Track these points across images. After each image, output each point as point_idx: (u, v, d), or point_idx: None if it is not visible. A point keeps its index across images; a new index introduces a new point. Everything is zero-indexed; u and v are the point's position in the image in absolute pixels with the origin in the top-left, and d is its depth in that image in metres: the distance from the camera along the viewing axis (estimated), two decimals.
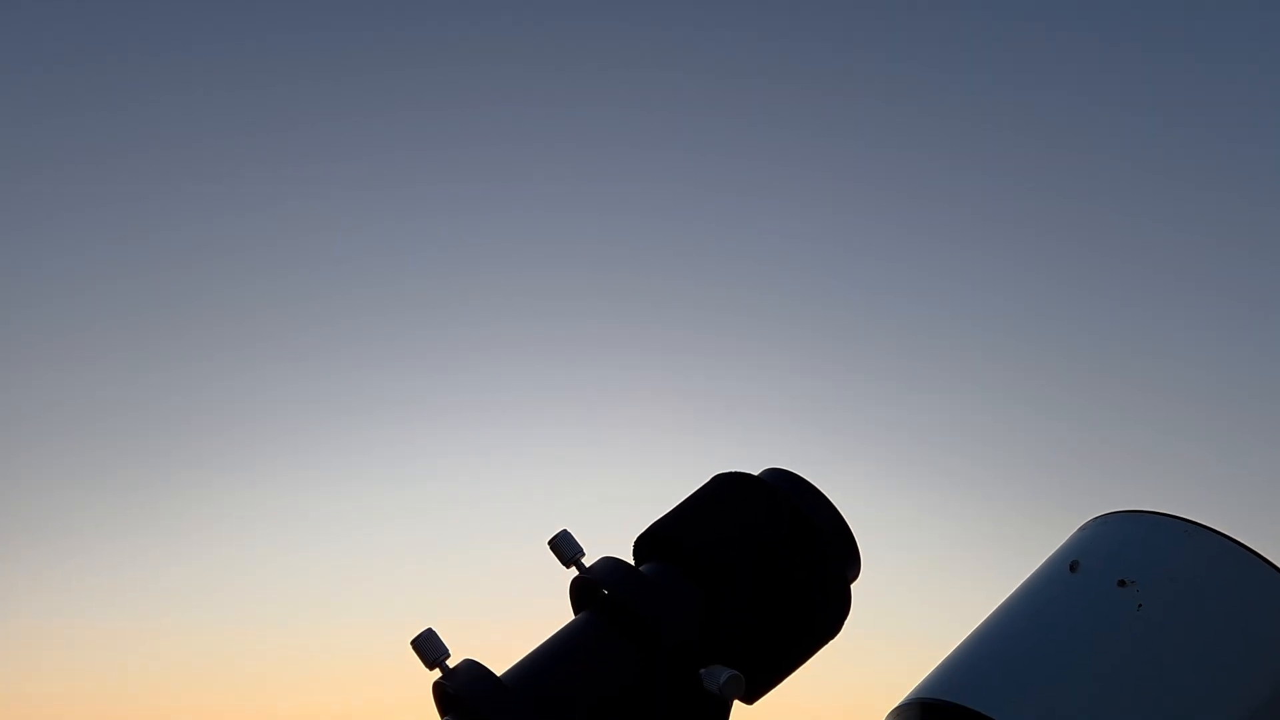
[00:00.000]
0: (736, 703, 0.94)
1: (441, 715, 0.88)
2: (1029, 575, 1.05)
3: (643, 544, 0.96)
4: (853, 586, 0.98)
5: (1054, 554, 1.06)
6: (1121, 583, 0.95)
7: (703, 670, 0.85)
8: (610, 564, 0.92)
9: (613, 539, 1.00)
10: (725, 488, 0.97)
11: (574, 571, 0.94)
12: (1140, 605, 0.93)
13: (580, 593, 0.95)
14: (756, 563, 0.91)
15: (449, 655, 0.88)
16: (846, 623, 0.99)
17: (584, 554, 0.94)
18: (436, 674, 0.88)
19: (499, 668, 0.89)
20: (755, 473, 0.99)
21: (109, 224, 4.25)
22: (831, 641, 0.98)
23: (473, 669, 0.85)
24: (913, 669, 1.05)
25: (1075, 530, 1.09)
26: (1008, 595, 1.05)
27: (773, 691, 0.97)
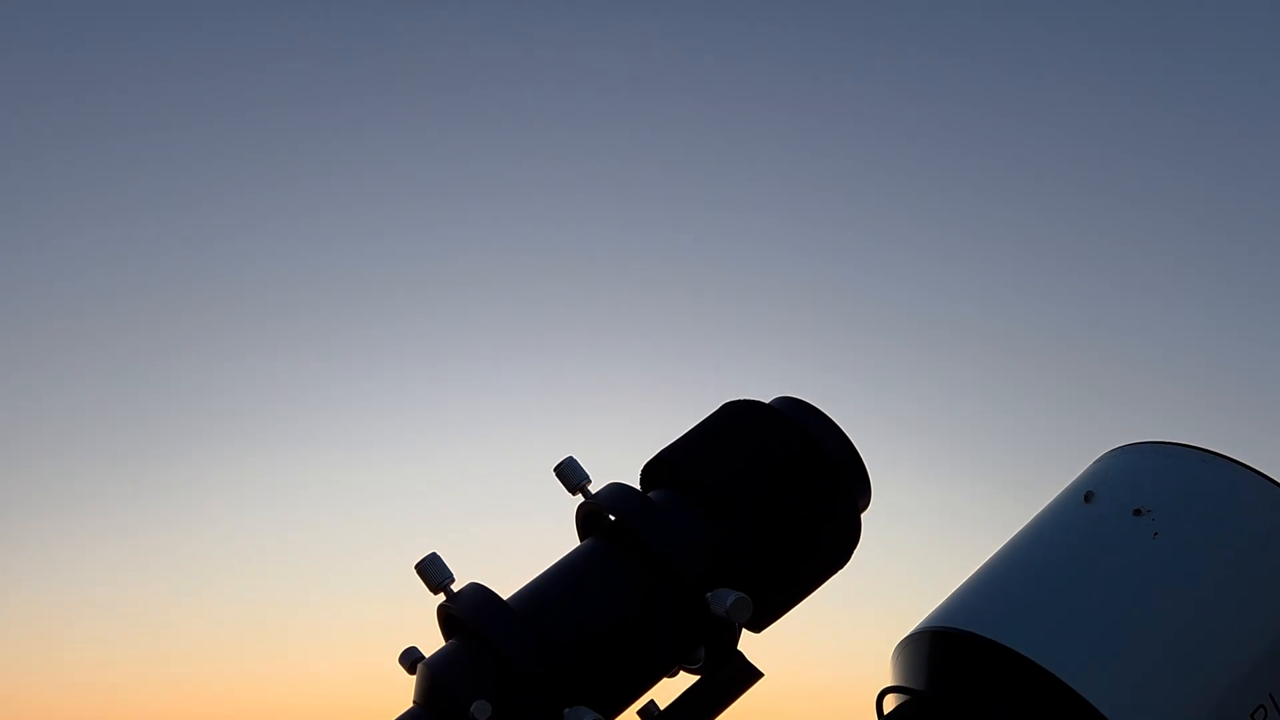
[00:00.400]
0: (747, 634, 0.93)
1: (446, 639, 0.88)
2: (1043, 508, 1.04)
3: (650, 471, 0.94)
4: (863, 516, 0.97)
5: (1069, 487, 1.04)
6: (1137, 511, 0.94)
7: (709, 594, 0.84)
8: (617, 490, 0.90)
9: (621, 468, 0.99)
10: (734, 415, 0.95)
11: (580, 498, 0.93)
12: (1156, 534, 0.92)
13: (586, 520, 0.93)
14: (764, 489, 0.89)
15: (453, 579, 0.87)
16: (856, 552, 0.97)
17: (590, 480, 0.93)
18: (441, 598, 0.87)
19: (504, 594, 0.87)
20: (766, 401, 0.98)
21: (98, 211, 4.24)
22: (842, 570, 0.97)
23: (478, 592, 0.84)
24: (923, 602, 1.04)
25: (1090, 464, 1.07)
26: (1020, 529, 1.03)
27: (781, 620, 0.96)
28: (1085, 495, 0.98)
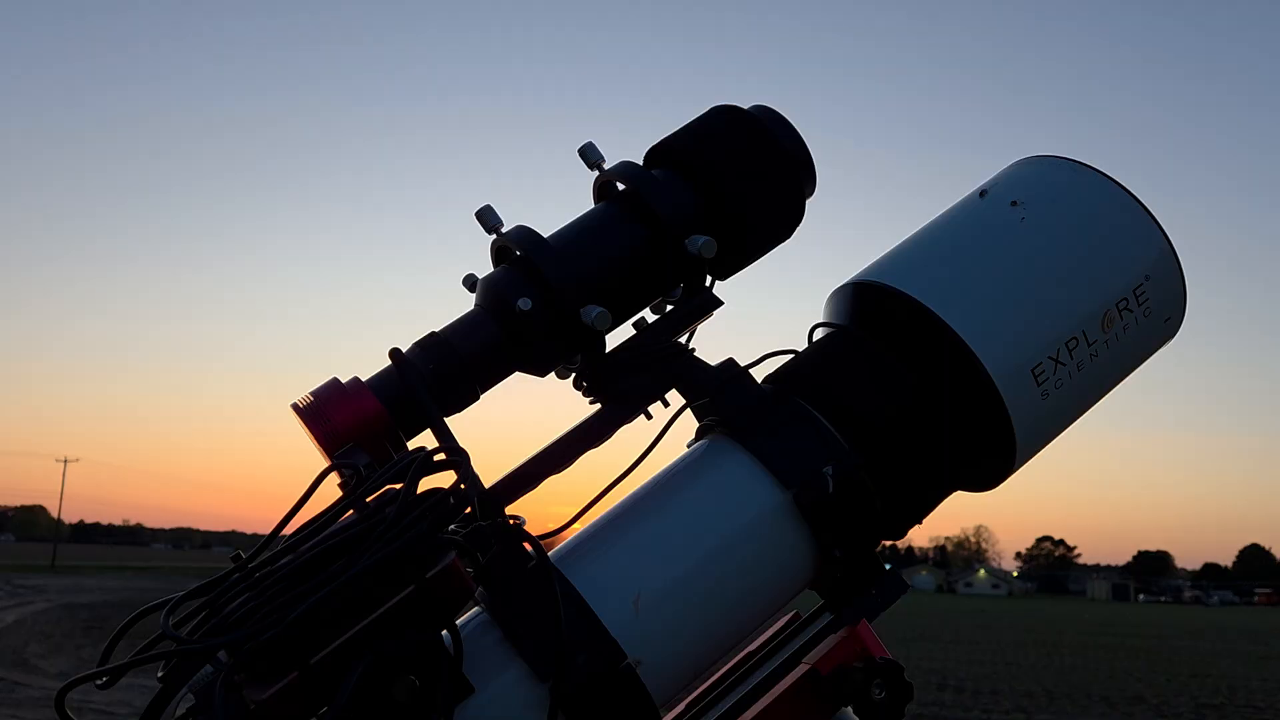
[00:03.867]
0: (719, 284, 1.26)
1: (496, 266, 1.21)
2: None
3: (652, 155, 1.25)
4: (809, 201, 1.28)
5: (974, 190, 1.34)
6: (1014, 203, 1.24)
7: (686, 240, 1.16)
8: (626, 165, 1.21)
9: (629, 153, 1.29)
10: (718, 115, 1.25)
11: (596, 173, 1.23)
12: (1023, 219, 1.23)
13: (601, 189, 1.25)
14: (733, 172, 1.20)
15: (503, 224, 1.19)
16: (801, 229, 1.29)
17: (605, 160, 1.23)
18: (494, 237, 1.20)
19: None
20: (745, 107, 1.27)
21: None
22: (789, 241, 1.29)
23: (523, 229, 1.17)
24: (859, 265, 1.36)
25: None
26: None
27: (746, 275, 1.29)
28: (981, 192, 1.29)
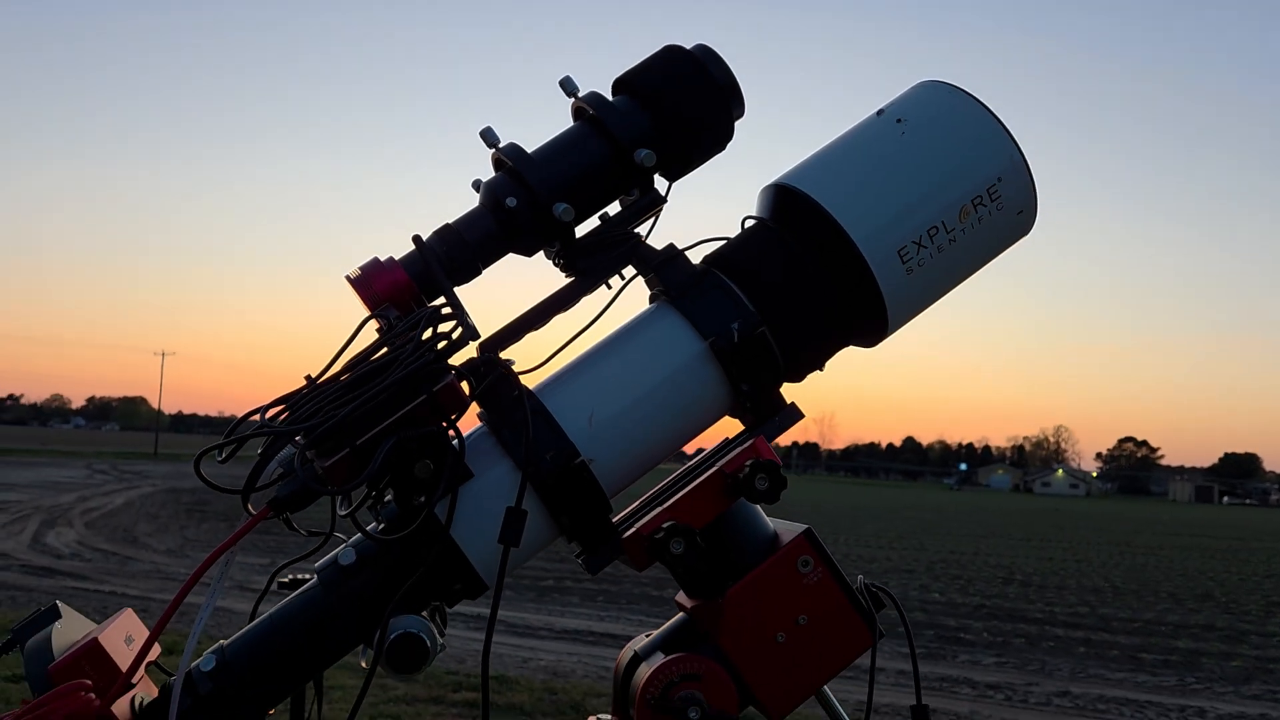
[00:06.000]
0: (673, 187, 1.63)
1: (495, 173, 1.59)
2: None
3: (617, 84, 1.61)
4: (738, 124, 1.63)
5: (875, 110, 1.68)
6: (899, 120, 1.59)
7: (634, 153, 1.53)
8: (592, 94, 1.58)
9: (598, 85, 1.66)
10: (667, 53, 1.60)
11: (572, 100, 1.60)
12: (904, 133, 1.57)
13: (576, 114, 1.62)
14: (677, 98, 1.56)
15: (500, 141, 1.57)
16: (745, 140, 1.65)
17: (579, 89, 1.60)
18: (492, 151, 1.58)
19: None
20: (688, 47, 1.62)
21: None
22: (727, 151, 1.65)
23: (512, 145, 1.55)
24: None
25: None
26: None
27: (693, 180, 1.66)
28: (879, 111, 1.63)
